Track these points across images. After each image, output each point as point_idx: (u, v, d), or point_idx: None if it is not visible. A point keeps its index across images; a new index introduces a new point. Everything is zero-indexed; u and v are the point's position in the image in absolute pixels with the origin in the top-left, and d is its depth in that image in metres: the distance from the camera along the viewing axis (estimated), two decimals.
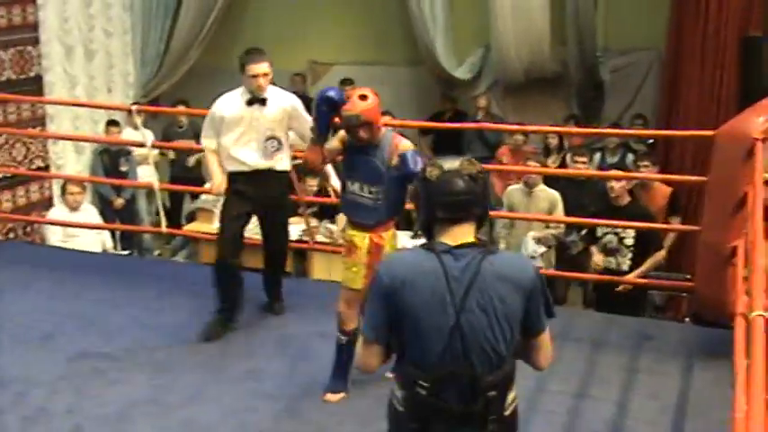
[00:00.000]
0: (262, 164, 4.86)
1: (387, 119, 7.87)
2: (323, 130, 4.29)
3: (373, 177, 4.05)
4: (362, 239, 4.10)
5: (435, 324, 2.36)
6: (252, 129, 4.80)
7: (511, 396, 2.49)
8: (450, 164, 2.43)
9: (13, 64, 7.54)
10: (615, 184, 5.96)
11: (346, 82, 9.09)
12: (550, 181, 7.04)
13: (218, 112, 4.86)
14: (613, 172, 6.83)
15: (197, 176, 8.87)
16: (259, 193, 4.87)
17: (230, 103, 4.84)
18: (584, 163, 7.16)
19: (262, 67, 4.69)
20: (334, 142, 4.26)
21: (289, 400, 4.27)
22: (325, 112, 4.24)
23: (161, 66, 9.45)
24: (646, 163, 6.85)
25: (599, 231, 6.08)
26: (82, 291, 5.73)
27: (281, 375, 4.52)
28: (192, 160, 8.70)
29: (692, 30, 7.91)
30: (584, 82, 9.14)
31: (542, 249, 6.72)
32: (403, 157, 3.96)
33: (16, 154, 7.68)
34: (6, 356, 4.77)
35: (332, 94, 4.24)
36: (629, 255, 5.97)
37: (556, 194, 6.79)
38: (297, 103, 4.88)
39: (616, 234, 5.99)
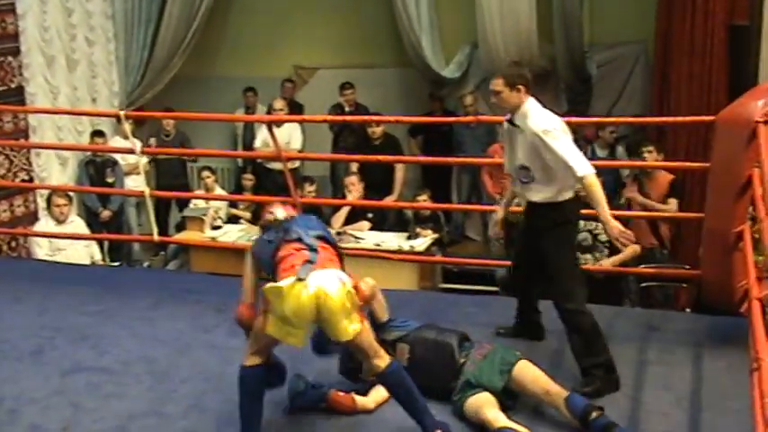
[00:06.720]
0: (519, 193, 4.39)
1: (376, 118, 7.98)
2: None
3: None
4: None
5: None
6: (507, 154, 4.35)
7: None
8: None
9: None
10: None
11: (346, 86, 9.00)
12: None
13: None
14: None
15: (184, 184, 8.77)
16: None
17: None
18: None
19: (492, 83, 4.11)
20: None
21: (292, 410, 4.12)
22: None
23: (145, 74, 9.32)
24: (650, 149, 6.77)
25: None
26: (72, 304, 5.58)
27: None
28: None
29: (681, 21, 7.91)
30: (572, 77, 9.08)
31: None
32: None
33: None
34: None
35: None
36: (606, 251, 5.98)
37: None
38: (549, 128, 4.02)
39: (589, 231, 5.98)
